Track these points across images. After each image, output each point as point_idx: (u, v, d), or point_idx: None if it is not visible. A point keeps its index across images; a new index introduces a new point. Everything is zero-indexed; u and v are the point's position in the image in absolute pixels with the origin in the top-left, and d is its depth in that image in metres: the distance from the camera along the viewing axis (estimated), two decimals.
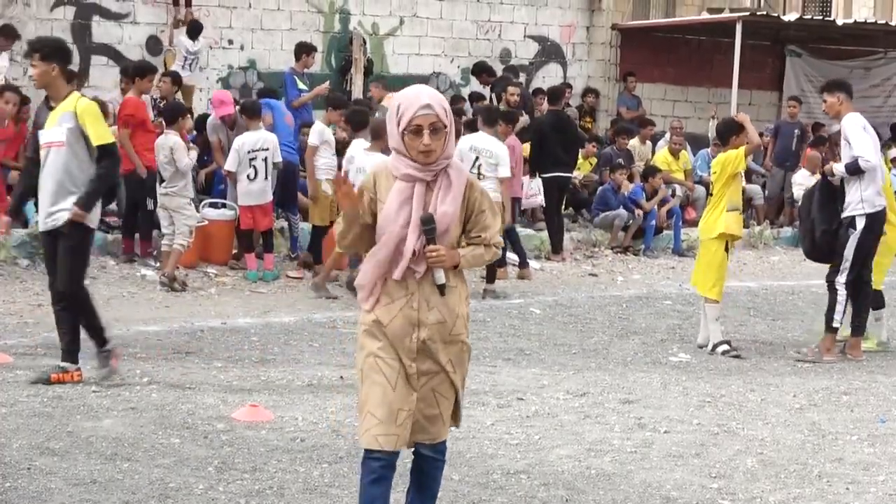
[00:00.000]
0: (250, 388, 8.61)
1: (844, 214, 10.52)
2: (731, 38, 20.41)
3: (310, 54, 17.04)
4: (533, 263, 15.81)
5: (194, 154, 13.73)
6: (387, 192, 5.02)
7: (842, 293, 10.55)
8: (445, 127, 4.94)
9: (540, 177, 16.33)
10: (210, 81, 18.34)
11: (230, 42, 18.68)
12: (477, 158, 13.06)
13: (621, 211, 17.27)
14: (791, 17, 22.63)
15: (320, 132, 13.51)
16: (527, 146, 16.41)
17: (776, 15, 22.88)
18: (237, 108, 14.70)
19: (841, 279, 10.53)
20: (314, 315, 11.79)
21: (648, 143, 19.60)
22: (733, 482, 6.80)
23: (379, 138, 12.34)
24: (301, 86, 16.82)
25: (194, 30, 17.59)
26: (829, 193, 10.73)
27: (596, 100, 21.39)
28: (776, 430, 8.02)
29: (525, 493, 6.44)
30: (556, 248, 16.44)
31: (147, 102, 14.83)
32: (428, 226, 4.93)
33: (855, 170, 10.42)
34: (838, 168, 10.61)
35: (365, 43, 19.32)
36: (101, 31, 17.68)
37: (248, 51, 18.80)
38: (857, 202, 10.47)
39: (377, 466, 5.00)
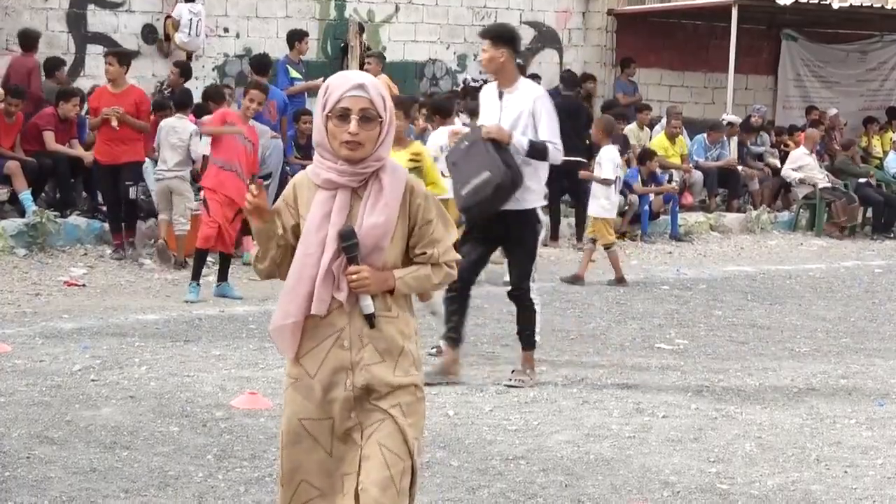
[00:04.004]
0: (249, 375, 8.61)
1: (525, 206, 8.40)
2: (727, 22, 20.39)
3: (302, 40, 17.05)
4: None
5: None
6: (308, 205, 4.09)
7: (537, 301, 8.74)
8: (380, 118, 4.02)
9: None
10: (207, 70, 18.30)
11: (226, 30, 18.63)
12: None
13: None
14: (787, 0, 22.59)
15: None
16: None
17: None
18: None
19: (534, 285, 8.69)
20: None
21: (647, 128, 19.58)
22: (732, 466, 6.81)
23: (611, 134, 13.47)
24: (295, 74, 16.80)
25: None
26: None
27: (593, 86, 21.36)
28: (774, 414, 8.03)
29: (524, 478, 6.45)
30: (554, 234, 16.45)
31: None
32: (347, 241, 4.00)
33: (539, 154, 8.38)
34: (519, 141, 8.30)
35: (363, 31, 19.30)
36: (97, 19, 17.63)
37: (244, 39, 18.75)
38: (541, 192, 8.67)
39: None
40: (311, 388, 4.04)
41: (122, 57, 13.53)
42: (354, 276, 3.99)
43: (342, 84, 4.04)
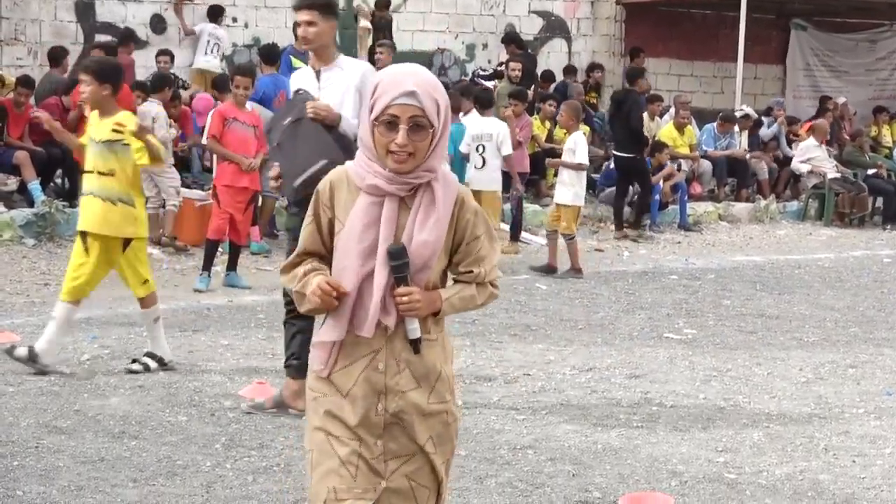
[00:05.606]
0: (257, 365, 8.62)
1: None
2: (736, 11, 20.36)
3: None
4: (539, 239, 15.80)
5: (173, 132, 14.14)
6: (347, 209, 3.73)
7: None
8: (432, 126, 3.65)
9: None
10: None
11: (234, 20, 18.65)
12: (479, 148, 13.14)
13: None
14: None
15: None
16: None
17: None
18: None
19: None
20: None
21: (658, 118, 19.53)
22: (740, 456, 6.81)
23: (579, 119, 13.51)
24: (298, 64, 16.74)
25: (216, 13, 17.69)
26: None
27: (601, 75, 21.34)
28: (782, 403, 8.03)
29: (532, 467, 6.46)
30: (618, 224, 16.63)
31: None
32: (398, 260, 3.65)
33: None
34: (350, 125, 6.96)
35: (374, 17, 19.25)
36: (105, 9, 17.65)
37: (252, 28, 18.76)
38: None
39: None
40: (341, 406, 3.75)
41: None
42: (405, 299, 3.65)
43: (392, 88, 3.64)
